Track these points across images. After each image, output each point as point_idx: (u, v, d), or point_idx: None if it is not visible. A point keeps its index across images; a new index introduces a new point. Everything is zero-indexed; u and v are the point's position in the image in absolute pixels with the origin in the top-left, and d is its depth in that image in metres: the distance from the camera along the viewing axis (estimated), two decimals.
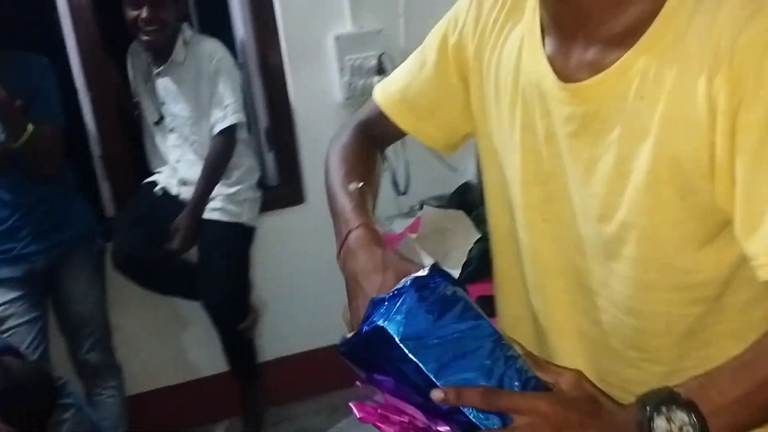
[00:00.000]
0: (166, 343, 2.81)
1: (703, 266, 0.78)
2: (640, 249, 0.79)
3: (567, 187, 0.84)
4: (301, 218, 2.82)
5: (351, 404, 0.79)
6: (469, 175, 2.20)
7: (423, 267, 0.76)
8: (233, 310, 2.61)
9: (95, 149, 2.58)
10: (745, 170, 0.69)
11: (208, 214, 2.53)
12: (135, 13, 2.37)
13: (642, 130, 0.75)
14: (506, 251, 0.97)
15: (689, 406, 0.67)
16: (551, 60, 0.82)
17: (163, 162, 2.62)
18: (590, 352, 0.89)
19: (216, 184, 2.52)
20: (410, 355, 0.70)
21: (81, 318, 2.38)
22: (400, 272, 0.77)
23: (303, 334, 2.93)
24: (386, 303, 0.73)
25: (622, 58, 0.76)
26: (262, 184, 2.71)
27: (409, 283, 0.73)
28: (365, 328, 0.74)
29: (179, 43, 2.49)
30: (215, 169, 2.51)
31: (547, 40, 0.83)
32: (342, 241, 0.90)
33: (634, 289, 0.82)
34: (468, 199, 2.06)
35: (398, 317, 0.71)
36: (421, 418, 0.75)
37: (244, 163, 2.62)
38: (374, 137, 1.08)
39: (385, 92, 1.06)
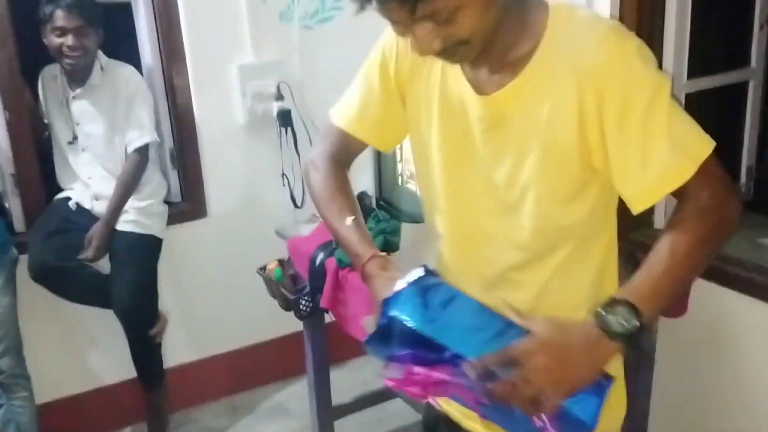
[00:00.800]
0: (73, 352, 2.92)
1: (573, 213, 1.17)
2: (535, 205, 1.16)
3: (478, 166, 1.19)
4: (203, 231, 3.05)
5: (384, 380, 1.09)
6: (363, 186, 2.55)
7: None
8: (144, 316, 2.79)
9: (7, 167, 2.70)
10: (614, 145, 1.08)
11: (121, 226, 2.73)
12: (60, 40, 2.57)
13: (534, 126, 1.12)
14: (432, 216, 1.32)
15: (627, 303, 1.02)
16: (468, 79, 1.18)
17: (75, 179, 2.79)
18: (486, 280, 1.25)
19: (129, 198, 2.73)
20: (414, 327, 1.05)
21: None
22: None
23: (204, 341, 3.14)
24: (392, 301, 1.08)
25: (516, 78, 1.12)
26: (165, 200, 2.93)
27: (405, 284, 1.10)
28: (382, 320, 1.09)
29: (96, 68, 2.70)
30: (129, 184, 2.72)
31: (464, 66, 1.19)
32: (360, 269, 1.25)
33: (528, 232, 1.19)
34: (365, 205, 2.40)
35: (401, 305, 1.07)
36: (435, 374, 1.05)
37: (154, 180, 2.85)
38: (342, 161, 1.37)
39: (344, 117, 1.36)
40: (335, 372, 2.87)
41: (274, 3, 2.91)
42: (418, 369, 1.04)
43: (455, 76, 1.19)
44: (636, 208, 1.12)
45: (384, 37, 1.30)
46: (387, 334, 1.08)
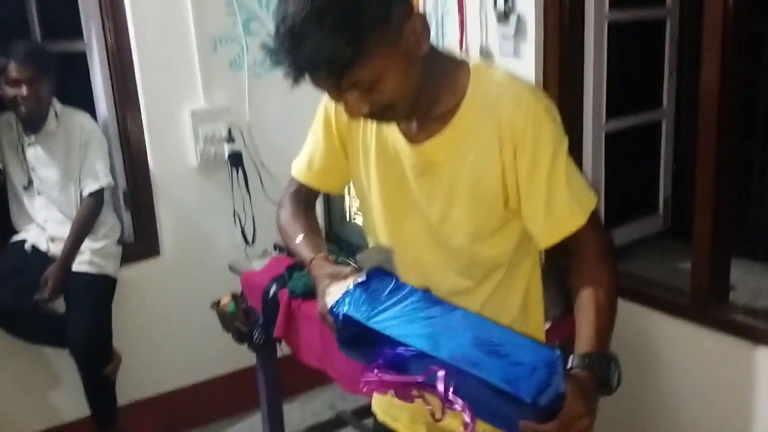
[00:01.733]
0: (30, 390, 2.95)
1: (500, 245, 1.34)
2: (466, 239, 1.32)
3: (414, 207, 1.34)
4: (156, 270, 3.13)
5: (362, 382, 1.13)
6: None
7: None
8: (98, 355, 2.83)
9: None
10: (525, 190, 1.25)
11: (77, 267, 2.80)
12: (14, 91, 2.67)
13: (461, 171, 1.28)
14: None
15: (611, 357, 1.17)
16: (401, 130, 1.33)
17: (31, 222, 2.86)
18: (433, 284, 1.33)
19: (83, 239, 2.81)
20: (365, 323, 1.09)
21: None
22: (335, 276, 1.22)
23: (158, 378, 3.19)
24: (344, 299, 1.14)
25: (443, 129, 1.28)
26: (119, 240, 3.02)
27: (353, 284, 1.15)
28: (338, 321, 1.13)
29: (51, 115, 2.79)
30: (84, 227, 2.80)
31: None
32: (308, 267, 1.34)
33: (464, 261, 1.34)
34: None
35: (351, 304, 1.12)
36: (406, 378, 1.08)
37: (109, 221, 2.94)
38: (304, 200, 1.51)
39: (297, 168, 1.50)
40: (287, 405, 2.96)
41: (225, 52, 3.07)
42: (387, 376, 1.11)
43: (389, 127, 1.34)
44: (541, 245, 1.31)
45: (326, 96, 1.46)
46: (350, 336, 1.15)
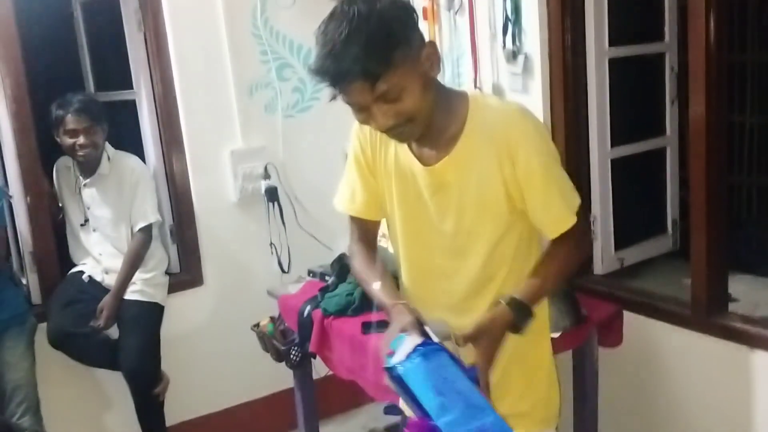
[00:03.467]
0: (86, 411, 3.19)
1: (506, 247, 1.56)
2: (478, 245, 1.55)
3: (430, 221, 1.57)
4: (200, 298, 3.38)
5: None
6: (341, 249, 2.92)
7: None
8: (148, 377, 3.07)
9: (26, 246, 3.04)
10: (527, 193, 1.49)
11: (129, 295, 3.06)
12: (72, 140, 2.97)
13: (468, 188, 1.51)
14: (401, 251, 1.67)
15: (515, 300, 1.44)
16: (415, 155, 1.56)
17: (87, 255, 3.14)
18: (444, 307, 1.60)
19: (135, 272, 3.07)
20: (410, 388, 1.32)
21: (15, 385, 2.77)
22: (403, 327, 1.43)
23: (203, 399, 3.41)
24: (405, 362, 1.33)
25: (451, 152, 1.51)
26: (167, 271, 3.28)
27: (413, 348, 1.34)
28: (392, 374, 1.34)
29: (104, 159, 3.08)
30: (135, 261, 3.07)
31: (411, 145, 1.56)
32: (388, 310, 1.53)
33: (474, 266, 1.56)
34: (344, 264, 2.76)
35: (408, 369, 1.33)
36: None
37: (158, 254, 3.20)
38: (365, 239, 1.70)
39: (342, 204, 1.70)
40: (323, 426, 3.15)
41: (260, 96, 3.35)
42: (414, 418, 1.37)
43: (405, 153, 1.58)
44: (547, 237, 1.57)
45: (353, 135, 1.67)
46: (396, 381, 1.36)
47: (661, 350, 2.46)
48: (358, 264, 1.70)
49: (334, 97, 1.40)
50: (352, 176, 1.68)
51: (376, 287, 1.61)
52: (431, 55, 1.43)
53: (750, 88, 3.73)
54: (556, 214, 1.53)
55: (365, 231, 1.72)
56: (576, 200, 1.55)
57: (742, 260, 2.88)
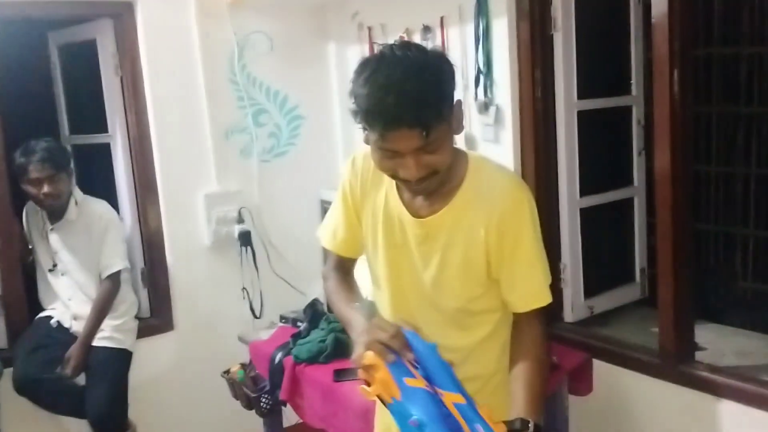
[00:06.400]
0: None
1: (481, 306, 1.58)
2: (454, 301, 1.56)
3: (412, 270, 1.58)
4: (170, 343, 3.34)
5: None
6: (315, 295, 2.92)
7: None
8: (115, 425, 3.00)
9: None
10: (507, 265, 1.51)
11: (97, 342, 3.01)
12: (36, 190, 2.93)
13: (454, 244, 1.52)
14: (381, 297, 1.67)
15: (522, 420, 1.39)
16: (405, 203, 1.57)
17: (56, 299, 3.10)
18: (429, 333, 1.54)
19: (103, 319, 3.02)
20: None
21: None
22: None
23: None
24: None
25: (444, 208, 1.52)
26: (136, 315, 3.25)
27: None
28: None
29: (72, 205, 3.05)
30: (103, 308, 3.03)
31: (403, 192, 1.57)
32: (348, 328, 1.55)
33: (450, 319, 1.58)
34: (317, 310, 2.77)
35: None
36: None
37: (128, 299, 3.17)
38: (343, 269, 1.73)
39: (324, 238, 1.72)
40: None
41: (236, 141, 3.37)
42: None
43: (395, 201, 1.60)
44: (515, 310, 1.56)
45: (345, 175, 1.69)
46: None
47: (631, 398, 2.48)
48: (329, 287, 1.72)
49: (383, 138, 1.37)
50: (336, 213, 1.71)
51: (341, 307, 1.62)
52: (459, 114, 1.46)
53: (715, 137, 3.83)
54: (535, 289, 1.54)
55: (342, 262, 1.75)
56: (549, 280, 1.57)
57: (709, 308, 2.94)
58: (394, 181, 1.59)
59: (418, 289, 1.60)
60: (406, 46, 1.41)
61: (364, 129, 1.41)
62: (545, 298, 1.54)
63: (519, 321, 1.57)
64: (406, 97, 1.32)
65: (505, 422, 1.36)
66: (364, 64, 1.39)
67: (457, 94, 1.45)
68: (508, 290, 1.55)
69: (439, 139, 1.38)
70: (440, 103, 1.37)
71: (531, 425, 1.38)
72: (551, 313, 1.52)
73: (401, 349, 1.32)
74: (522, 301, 1.55)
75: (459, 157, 1.55)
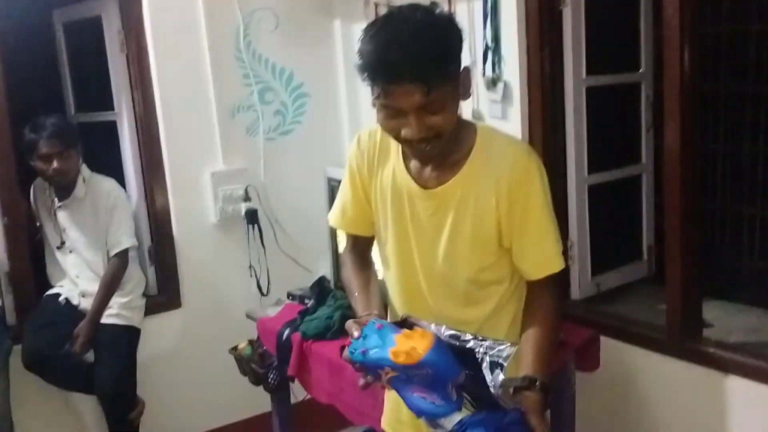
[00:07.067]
0: None
1: (493, 276, 1.57)
2: (466, 270, 1.56)
3: (422, 243, 1.57)
4: (178, 320, 3.36)
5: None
6: (322, 272, 2.93)
7: None
8: (124, 401, 3.03)
9: (2, 267, 3.00)
10: (518, 233, 1.51)
11: (105, 319, 3.02)
12: (45, 165, 2.94)
13: (464, 215, 1.52)
14: (390, 275, 1.68)
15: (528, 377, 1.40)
16: (413, 176, 1.57)
17: (64, 277, 3.11)
18: (438, 309, 1.59)
19: (111, 297, 3.04)
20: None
21: None
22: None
23: (179, 424, 3.36)
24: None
25: (452, 178, 1.52)
26: (143, 293, 3.26)
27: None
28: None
29: (80, 182, 3.06)
30: (111, 286, 3.04)
31: (411, 164, 1.57)
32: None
33: (461, 291, 1.57)
34: (324, 287, 2.77)
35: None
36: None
37: (135, 277, 3.18)
38: (358, 250, 1.72)
39: (334, 218, 1.74)
40: None
41: (242, 119, 3.36)
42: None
43: (402, 175, 1.59)
44: (529, 277, 1.57)
45: (351, 154, 1.69)
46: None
47: (637, 375, 2.49)
48: (346, 273, 1.72)
49: (377, 98, 1.38)
50: (345, 193, 1.71)
51: (355, 296, 1.63)
52: (466, 80, 1.46)
53: (723, 116, 3.81)
54: (546, 256, 1.54)
55: (357, 242, 1.74)
56: (561, 247, 1.57)
57: (716, 286, 2.93)
58: (401, 156, 1.59)
59: (428, 263, 1.59)
60: (414, 6, 1.40)
61: (369, 86, 1.41)
62: (558, 265, 1.54)
63: (532, 289, 1.57)
64: (410, 53, 1.33)
65: (509, 379, 1.37)
66: (373, 23, 1.41)
67: None
68: (520, 258, 1.55)
69: (442, 99, 1.38)
70: (444, 61, 1.37)
71: (537, 383, 1.38)
72: None
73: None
74: (534, 268, 1.55)
75: (467, 127, 1.55)
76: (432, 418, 1.33)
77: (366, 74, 1.38)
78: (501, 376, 1.30)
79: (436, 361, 1.28)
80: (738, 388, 2.19)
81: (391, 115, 1.42)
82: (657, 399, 2.44)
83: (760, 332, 2.61)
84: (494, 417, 1.29)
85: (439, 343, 1.29)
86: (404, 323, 1.44)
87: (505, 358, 1.31)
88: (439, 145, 1.46)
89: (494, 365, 1.31)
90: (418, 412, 1.34)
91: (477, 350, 1.33)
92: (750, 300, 3.00)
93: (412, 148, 1.49)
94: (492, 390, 1.31)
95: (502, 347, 1.33)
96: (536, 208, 1.51)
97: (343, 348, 2.32)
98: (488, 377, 1.31)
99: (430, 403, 1.31)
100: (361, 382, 1.39)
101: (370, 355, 1.31)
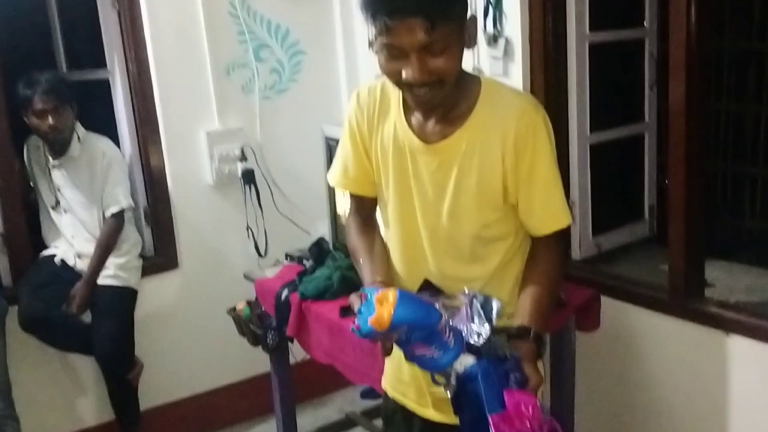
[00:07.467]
0: (58, 396, 3.13)
1: (497, 232, 1.54)
2: (471, 227, 1.52)
3: (426, 200, 1.54)
4: (175, 282, 3.33)
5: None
6: (320, 234, 2.90)
7: None
8: (122, 362, 3.03)
9: None
10: (524, 189, 1.47)
11: (102, 280, 3.00)
12: (40, 121, 2.88)
13: (469, 170, 1.48)
14: (392, 236, 1.65)
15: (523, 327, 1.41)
16: (415, 131, 1.52)
17: (60, 237, 3.07)
18: (440, 269, 1.57)
19: (107, 258, 3.01)
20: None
21: None
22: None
23: (178, 384, 3.37)
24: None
25: (456, 132, 1.48)
26: (140, 254, 3.23)
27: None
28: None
29: (74, 141, 3.00)
30: (107, 247, 3.01)
31: (412, 119, 1.53)
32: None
33: (465, 249, 1.54)
34: (323, 248, 2.74)
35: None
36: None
37: (131, 238, 3.15)
38: (362, 212, 1.69)
39: (335, 178, 1.69)
40: (299, 411, 3.11)
41: (238, 77, 3.29)
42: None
43: (404, 130, 1.55)
44: (535, 233, 1.54)
45: (350, 111, 1.64)
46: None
47: (638, 335, 2.48)
48: (350, 241, 1.69)
49: (380, 34, 1.35)
50: (345, 151, 1.66)
51: (360, 263, 1.61)
52: (471, 29, 1.43)
53: (726, 74, 3.75)
54: (554, 211, 1.51)
55: (361, 205, 1.70)
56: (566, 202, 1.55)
57: (717, 246, 2.92)
58: (402, 111, 1.55)
59: (431, 221, 1.56)
60: None
61: (370, 24, 1.36)
62: (565, 220, 1.52)
63: (537, 245, 1.54)
64: None
65: (504, 327, 1.37)
66: None
67: None
68: (526, 214, 1.52)
69: (445, 40, 1.35)
70: (452, 1, 1.34)
71: (532, 333, 1.38)
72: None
73: None
74: (541, 223, 1.52)
75: (471, 79, 1.50)
76: (440, 371, 1.31)
77: (368, 9, 1.34)
78: (488, 326, 1.29)
79: (405, 317, 1.26)
80: (739, 347, 2.19)
81: (393, 55, 1.38)
82: (658, 358, 2.43)
83: (762, 292, 2.60)
84: (496, 363, 1.29)
85: (402, 298, 1.27)
86: (428, 287, 1.44)
87: (497, 313, 1.30)
88: (441, 93, 1.42)
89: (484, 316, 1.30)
90: (425, 369, 1.33)
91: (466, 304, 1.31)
92: (751, 260, 2.99)
93: (413, 95, 1.44)
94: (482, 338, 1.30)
95: (492, 301, 1.32)
96: (543, 162, 1.47)
97: (342, 309, 2.34)
98: (479, 328, 1.30)
99: (429, 357, 1.29)
100: (381, 351, 1.37)
101: (361, 329, 1.29)
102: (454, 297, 1.33)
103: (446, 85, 1.41)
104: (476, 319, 1.29)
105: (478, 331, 1.28)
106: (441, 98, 1.44)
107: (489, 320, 1.28)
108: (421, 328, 1.27)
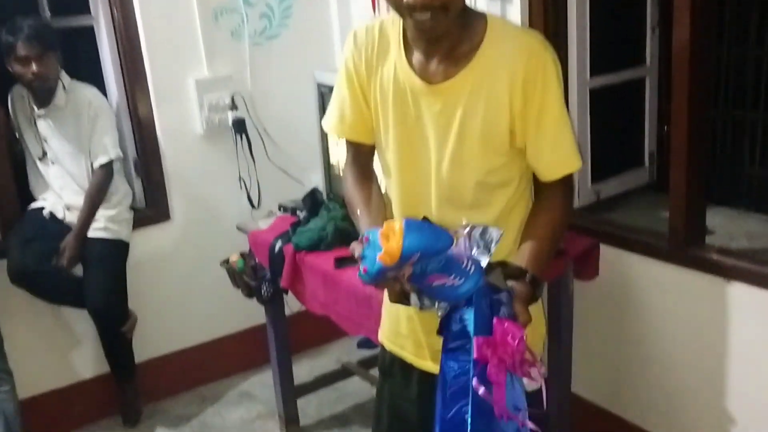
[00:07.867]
0: (52, 349, 3.11)
1: (500, 175, 1.48)
2: (474, 173, 1.46)
3: (428, 145, 1.47)
4: (167, 233, 3.28)
5: None
6: (314, 184, 2.84)
7: None
8: (115, 315, 3.01)
9: None
10: (533, 132, 1.41)
11: (92, 233, 2.95)
12: (23, 69, 2.79)
13: (472, 112, 1.41)
14: (392, 184, 1.58)
15: (520, 268, 1.35)
16: (416, 71, 1.45)
17: (48, 189, 3.00)
18: (442, 217, 1.50)
19: (97, 210, 2.95)
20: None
21: None
22: None
23: (172, 336, 3.36)
24: None
25: (461, 71, 1.41)
26: (131, 206, 3.17)
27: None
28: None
29: (60, 90, 2.91)
30: (96, 198, 2.95)
31: (414, 59, 1.45)
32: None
33: (471, 188, 1.48)
34: (317, 199, 2.69)
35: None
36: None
37: (121, 189, 3.08)
38: (359, 163, 1.62)
39: (330, 125, 1.61)
40: (295, 361, 3.10)
41: (226, 22, 3.19)
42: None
43: (405, 71, 1.47)
44: (545, 178, 1.49)
45: (346, 53, 1.56)
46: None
47: (638, 283, 2.45)
48: (348, 189, 1.63)
49: None
50: (342, 96, 1.58)
51: (358, 214, 1.55)
52: None
53: (728, 16, 3.65)
54: (563, 154, 1.45)
55: (358, 153, 1.63)
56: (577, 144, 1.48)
57: (718, 193, 2.87)
58: (403, 50, 1.47)
59: (433, 167, 1.49)
60: None
61: None
62: (576, 163, 1.46)
63: (543, 190, 1.49)
64: None
65: (503, 261, 1.33)
66: None
67: None
68: (536, 158, 1.45)
69: None
70: None
71: (528, 275, 1.33)
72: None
73: None
74: (551, 167, 1.46)
75: (477, 17, 1.43)
76: (458, 301, 1.26)
77: None
78: (487, 255, 1.25)
79: (416, 244, 1.19)
80: (740, 294, 2.16)
81: None
82: (657, 306, 2.41)
83: (763, 238, 2.57)
84: (490, 290, 1.26)
85: (409, 226, 1.20)
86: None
87: (495, 242, 1.26)
88: (445, 22, 1.34)
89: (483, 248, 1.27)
90: (442, 300, 1.27)
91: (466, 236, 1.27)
92: (751, 206, 2.95)
93: (414, 22, 1.36)
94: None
95: (491, 231, 1.27)
96: (553, 103, 1.40)
97: (336, 260, 2.30)
98: (479, 257, 1.27)
99: (450, 286, 1.23)
100: (388, 295, 1.32)
101: (369, 271, 1.23)
102: (453, 231, 1.28)
103: (450, 13, 1.33)
104: (475, 250, 1.25)
105: (478, 260, 1.25)
106: (444, 28, 1.36)
107: (488, 249, 1.25)
108: (434, 254, 1.21)
